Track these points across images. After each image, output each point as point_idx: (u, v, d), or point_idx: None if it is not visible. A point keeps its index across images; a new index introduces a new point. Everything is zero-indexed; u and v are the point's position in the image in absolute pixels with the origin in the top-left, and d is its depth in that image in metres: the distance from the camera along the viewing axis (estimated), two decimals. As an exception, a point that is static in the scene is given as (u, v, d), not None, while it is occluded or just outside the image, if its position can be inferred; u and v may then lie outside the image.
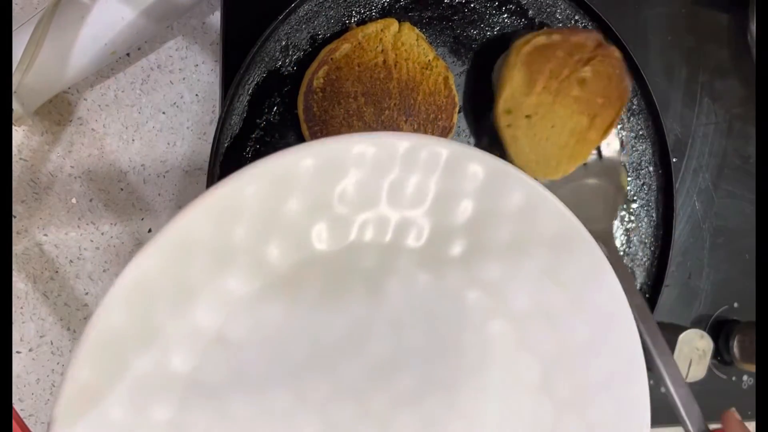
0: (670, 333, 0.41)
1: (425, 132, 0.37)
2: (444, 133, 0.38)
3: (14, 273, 0.41)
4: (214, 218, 0.24)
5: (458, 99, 0.38)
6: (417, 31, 0.37)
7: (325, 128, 0.36)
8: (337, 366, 0.27)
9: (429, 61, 0.37)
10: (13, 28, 0.37)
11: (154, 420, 0.24)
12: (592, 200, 0.41)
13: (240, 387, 0.26)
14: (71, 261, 0.42)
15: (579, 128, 0.38)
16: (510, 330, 0.29)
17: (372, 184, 0.26)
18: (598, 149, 0.41)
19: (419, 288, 0.28)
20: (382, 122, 0.37)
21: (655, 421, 0.45)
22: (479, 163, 0.27)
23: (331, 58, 0.35)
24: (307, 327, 0.27)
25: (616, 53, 0.38)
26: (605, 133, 0.39)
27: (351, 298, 0.27)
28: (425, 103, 0.37)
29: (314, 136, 0.36)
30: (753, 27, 0.47)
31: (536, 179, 0.30)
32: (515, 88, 0.37)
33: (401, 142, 0.25)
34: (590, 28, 0.40)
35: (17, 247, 0.41)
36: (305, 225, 0.26)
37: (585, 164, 0.41)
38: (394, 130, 0.37)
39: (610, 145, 0.41)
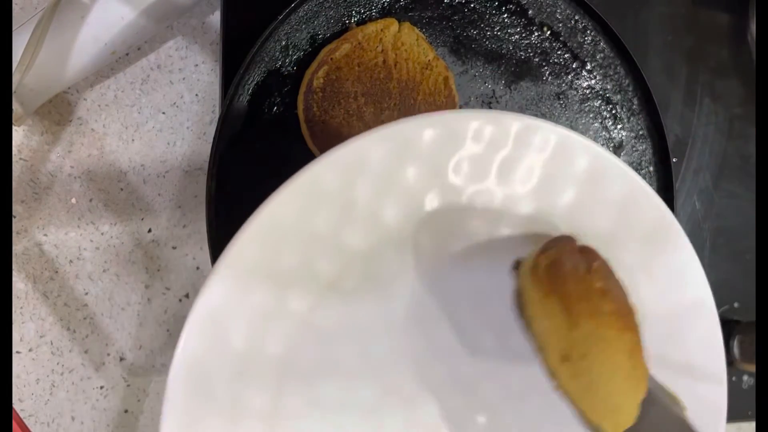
0: (671, 333, 0.41)
1: None
2: None
3: (14, 273, 0.41)
4: (341, 172, 0.25)
5: (458, 99, 0.38)
6: (417, 31, 0.37)
7: (325, 128, 0.36)
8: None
9: (429, 61, 0.37)
10: (14, 28, 0.37)
11: (267, 354, 0.26)
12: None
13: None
14: (71, 261, 0.42)
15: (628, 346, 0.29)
16: None
17: (485, 160, 0.27)
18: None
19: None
20: (382, 122, 0.37)
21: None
22: (585, 152, 0.27)
23: (331, 58, 0.35)
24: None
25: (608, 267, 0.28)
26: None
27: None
28: (425, 102, 0.37)
29: (314, 136, 0.36)
30: (753, 27, 0.47)
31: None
32: (557, 324, 0.27)
33: (515, 123, 0.26)
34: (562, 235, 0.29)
35: (17, 247, 0.41)
36: (420, 190, 0.27)
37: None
38: None
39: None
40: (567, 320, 0.27)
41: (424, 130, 0.26)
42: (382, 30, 0.36)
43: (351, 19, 0.38)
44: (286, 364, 0.26)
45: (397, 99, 0.37)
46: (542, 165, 0.28)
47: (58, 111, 0.42)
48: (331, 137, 0.36)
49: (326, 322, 0.27)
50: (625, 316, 0.28)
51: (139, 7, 0.38)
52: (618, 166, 0.28)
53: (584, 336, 0.27)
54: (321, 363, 0.27)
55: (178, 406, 0.24)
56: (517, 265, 0.30)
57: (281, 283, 0.26)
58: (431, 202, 0.27)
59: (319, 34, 0.37)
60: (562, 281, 0.27)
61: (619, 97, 0.42)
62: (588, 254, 0.28)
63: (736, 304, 0.45)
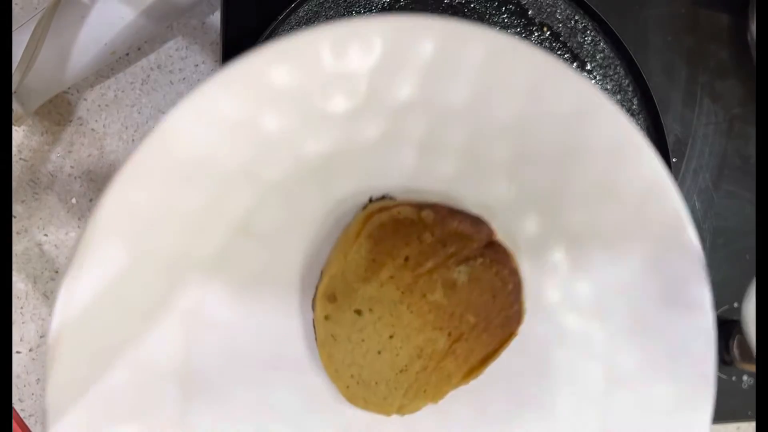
0: (670, 333, 0.41)
1: None
2: None
3: (14, 273, 0.41)
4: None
5: None
6: None
7: None
8: None
9: None
10: (14, 27, 0.37)
11: None
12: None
13: None
14: (71, 261, 0.42)
15: (431, 350, 0.26)
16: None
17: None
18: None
19: None
20: None
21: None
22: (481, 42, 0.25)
23: None
24: None
25: (512, 262, 0.27)
26: (470, 373, 0.27)
27: None
28: None
29: None
30: (753, 27, 0.47)
31: (352, 404, 0.27)
32: (349, 267, 0.26)
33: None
34: (480, 218, 0.27)
35: (17, 248, 0.41)
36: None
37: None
38: None
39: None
40: (367, 271, 0.26)
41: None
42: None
43: (351, 19, 0.38)
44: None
45: None
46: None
47: (58, 111, 0.42)
48: None
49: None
50: (459, 324, 0.26)
51: (139, 8, 0.38)
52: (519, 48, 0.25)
53: (373, 298, 0.26)
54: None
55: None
56: (368, 203, 0.27)
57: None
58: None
59: (319, 35, 0.37)
60: (402, 239, 0.26)
61: (618, 97, 0.42)
62: (489, 249, 0.26)
63: (736, 304, 0.45)
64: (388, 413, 0.27)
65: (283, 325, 0.28)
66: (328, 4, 0.37)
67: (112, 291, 0.24)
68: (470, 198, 0.28)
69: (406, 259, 0.26)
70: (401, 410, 0.27)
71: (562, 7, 0.40)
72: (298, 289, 0.28)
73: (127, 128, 0.43)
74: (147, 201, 0.24)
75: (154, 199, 0.24)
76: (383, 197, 0.27)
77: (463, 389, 0.28)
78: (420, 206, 0.26)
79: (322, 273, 0.27)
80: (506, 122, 0.26)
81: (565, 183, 0.27)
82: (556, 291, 0.29)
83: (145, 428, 0.25)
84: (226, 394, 0.27)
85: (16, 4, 0.42)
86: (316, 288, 0.27)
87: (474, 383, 0.28)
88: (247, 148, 0.25)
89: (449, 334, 0.27)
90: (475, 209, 0.28)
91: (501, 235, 0.27)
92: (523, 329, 0.27)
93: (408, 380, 0.27)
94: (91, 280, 0.24)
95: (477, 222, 0.26)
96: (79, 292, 0.23)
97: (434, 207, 0.26)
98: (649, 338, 0.27)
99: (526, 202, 0.28)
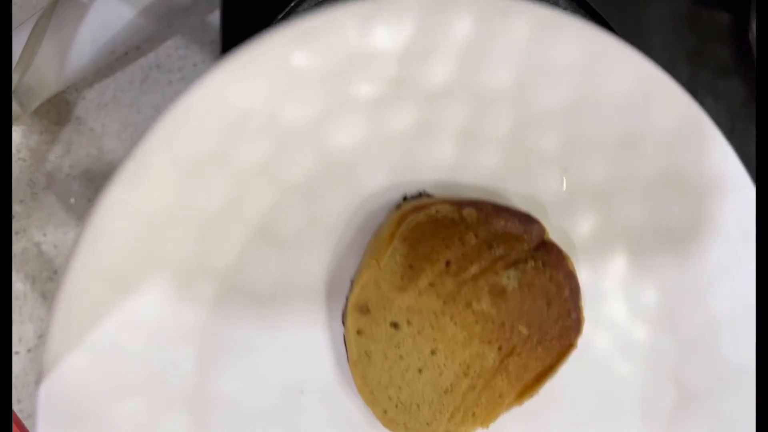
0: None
1: None
2: None
3: (13, 273, 0.41)
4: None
5: None
6: None
7: None
8: None
9: None
10: (13, 27, 0.37)
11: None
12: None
13: None
14: (70, 261, 0.42)
15: (479, 367, 0.24)
16: None
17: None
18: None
19: None
20: None
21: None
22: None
23: None
24: None
25: (567, 264, 0.24)
26: (525, 392, 0.24)
27: None
28: None
29: None
30: (754, 26, 0.47)
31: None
32: (383, 275, 0.23)
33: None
34: (530, 216, 0.24)
35: (16, 247, 0.41)
36: None
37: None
38: None
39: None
40: (403, 279, 0.23)
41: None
42: None
43: (351, 18, 0.37)
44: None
45: None
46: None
47: (57, 110, 0.42)
48: None
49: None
50: (509, 336, 0.23)
51: (138, 7, 0.38)
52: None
53: (411, 309, 0.23)
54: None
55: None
56: (401, 203, 0.24)
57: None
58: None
59: (319, 34, 0.37)
60: (442, 241, 0.23)
61: (620, 96, 0.42)
62: (541, 250, 0.23)
63: (736, 305, 0.45)
64: None
65: (310, 342, 0.24)
66: (328, 4, 0.37)
67: (115, 305, 0.22)
68: (517, 193, 0.25)
69: (448, 263, 0.23)
70: None
71: (563, 7, 0.40)
72: (325, 301, 0.25)
73: (126, 128, 0.43)
74: (151, 204, 0.22)
75: (160, 203, 0.22)
76: (419, 195, 0.25)
77: (517, 411, 0.25)
78: (461, 204, 0.23)
79: (352, 282, 0.25)
80: (556, 107, 0.23)
81: (625, 174, 0.24)
82: (618, 297, 0.25)
83: None
84: (247, 425, 0.23)
85: (15, 3, 0.41)
86: (346, 299, 0.24)
87: (528, 404, 0.25)
88: (265, 142, 0.22)
89: (499, 348, 0.24)
90: (523, 206, 0.25)
91: (553, 235, 0.24)
92: (583, 341, 0.24)
93: (454, 402, 0.24)
94: (95, 290, 0.21)
95: (526, 220, 0.23)
96: (83, 301, 0.22)
97: (477, 204, 0.23)
98: (722, 350, 0.25)
99: (580, 196, 0.25)
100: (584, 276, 0.25)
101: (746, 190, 0.25)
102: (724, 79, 0.47)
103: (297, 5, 0.36)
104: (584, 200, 0.25)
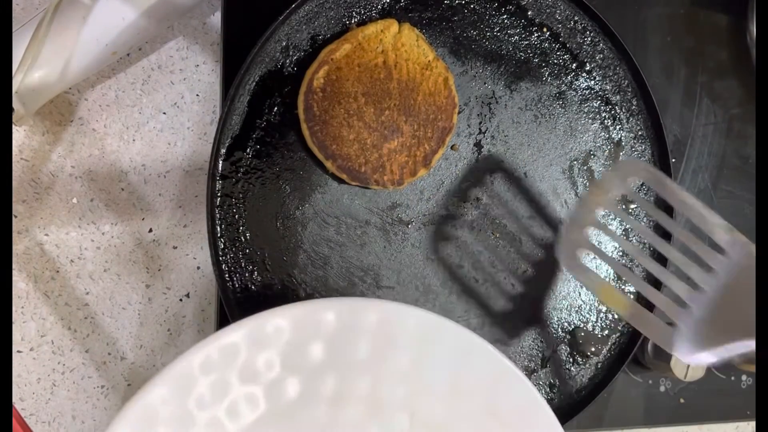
0: (670, 333, 0.41)
1: (424, 133, 0.37)
2: (443, 133, 0.38)
3: (15, 272, 0.41)
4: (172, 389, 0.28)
5: (458, 100, 0.38)
6: (417, 31, 0.37)
7: (325, 128, 0.36)
8: None
9: (429, 61, 0.37)
10: (15, 28, 0.37)
11: None
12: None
13: None
14: (72, 261, 0.42)
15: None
16: None
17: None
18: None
19: None
20: (382, 122, 0.37)
21: (655, 422, 0.45)
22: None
23: (332, 59, 0.35)
24: None
25: None
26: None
27: None
28: (425, 103, 0.37)
29: (314, 136, 0.36)
30: (752, 27, 0.47)
31: None
32: None
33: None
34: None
35: (18, 247, 0.41)
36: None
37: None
38: (394, 130, 0.37)
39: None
40: None
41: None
42: (382, 31, 0.36)
43: (351, 20, 0.38)
44: None
45: (398, 99, 0.37)
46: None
47: (60, 111, 0.43)
48: (331, 137, 0.36)
49: None
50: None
51: (141, 8, 0.38)
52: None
53: None
54: None
55: None
56: None
57: None
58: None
59: (320, 35, 0.37)
60: None
61: (618, 97, 0.42)
62: None
63: (735, 304, 0.45)
64: None
65: None
66: (329, 5, 0.37)
67: None
68: None
69: None
70: None
71: (562, 7, 0.41)
72: None
73: (128, 128, 0.43)
74: None
75: None
76: None
77: None
78: None
79: None
80: (403, 368, 0.32)
81: (455, 407, 0.32)
82: None
83: None
84: None
85: (17, 4, 0.42)
86: None
87: None
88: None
89: None
90: None
91: None
92: None
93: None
94: None
95: None
96: None
97: None
98: None
99: (423, 429, 0.33)
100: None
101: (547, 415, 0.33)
102: (721, 79, 0.47)
103: (297, 7, 0.36)
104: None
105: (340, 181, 0.37)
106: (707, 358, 0.30)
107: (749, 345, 0.28)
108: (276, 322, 0.30)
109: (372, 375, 0.32)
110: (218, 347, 0.29)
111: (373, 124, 0.37)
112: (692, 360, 0.31)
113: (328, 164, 0.36)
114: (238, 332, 0.29)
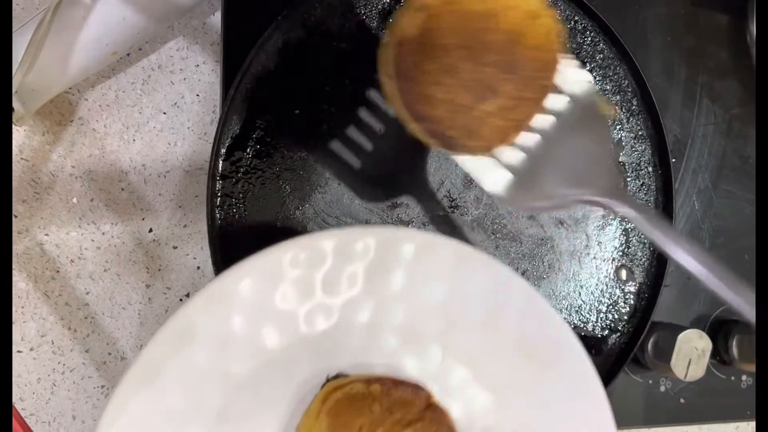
0: (669, 333, 0.41)
1: (524, 93, 0.31)
2: (543, 92, 0.31)
3: (15, 272, 0.41)
4: (211, 310, 0.29)
5: (564, 53, 0.32)
6: None
7: (414, 86, 0.30)
8: None
9: (537, 9, 0.31)
10: (15, 28, 0.37)
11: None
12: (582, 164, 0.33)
13: None
14: (72, 260, 0.42)
15: None
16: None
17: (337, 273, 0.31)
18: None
19: None
20: (479, 80, 0.30)
21: (655, 422, 0.45)
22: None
23: (428, 4, 0.29)
24: None
25: (448, 420, 0.32)
26: None
27: None
28: (528, 58, 0.30)
29: (402, 92, 0.30)
30: (752, 28, 0.47)
31: None
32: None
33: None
34: (418, 385, 0.32)
35: (18, 247, 0.41)
36: (294, 311, 0.31)
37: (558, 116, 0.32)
38: (491, 90, 0.30)
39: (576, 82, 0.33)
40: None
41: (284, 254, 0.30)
42: None
43: (353, 19, 0.38)
44: None
45: (498, 54, 0.30)
46: (405, 268, 0.32)
47: (60, 111, 0.43)
48: (421, 97, 0.30)
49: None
50: None
51: (141, 8, 0.38)
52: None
53: None
54: None
55: None
56: (325, 382, 0.32)
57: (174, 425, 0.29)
58: (307, 323, 0.31)
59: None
60: (355, 412, 0.30)
61: (618, 97, 0.42)
62: (428, 411, 0.31)
63: (735, 304, 0.45)
64: None
65: None
66: (329, 5, 0.37)
67: None
68: (411, 367, 0.33)
69: (360, 428, 0.30)
70: None
71: (562, 7, 0.41)
72: None
73: (128, 128, 0.43)
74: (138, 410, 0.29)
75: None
76: (337, 375, 0.32)
77: None
78: (369, 381, 0.31)
79: None
80: (437, 301, 0.32)
81: (487, 342, 0.33)
82: None
83: None
84: None
85: (17, 4, 0.42)
86: None
87: None
88: (220, 351, 0.30)
89: None
90: (415, 376, 0.33)
91: (438, 396, 0.32)
92: None
93: None
94: None
95: (416, 389, 0.32)
96: None
97: (381, 380, 0.31)
98: None
99: (455, 361, 0.33)
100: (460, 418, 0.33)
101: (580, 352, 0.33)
102: (721, 79, 0.47)
103: (297, 7, 0.36)
104: (458, 363, 0.33)
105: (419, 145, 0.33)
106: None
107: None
108: (318, 246, 0.31)
109: (408, 304, 0.32)
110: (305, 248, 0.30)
111: (468, 83, 0.30)
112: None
113: (414, 126, 0.31)
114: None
